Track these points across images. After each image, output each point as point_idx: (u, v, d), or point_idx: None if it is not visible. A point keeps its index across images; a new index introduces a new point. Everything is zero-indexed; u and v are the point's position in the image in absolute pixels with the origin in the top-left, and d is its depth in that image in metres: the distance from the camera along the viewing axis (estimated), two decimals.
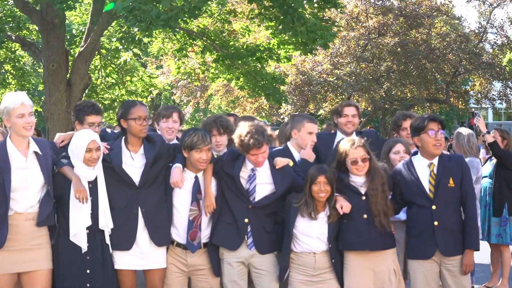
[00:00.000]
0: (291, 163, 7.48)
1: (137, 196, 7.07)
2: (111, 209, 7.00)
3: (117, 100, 23.47)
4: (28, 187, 6.66)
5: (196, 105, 36.09)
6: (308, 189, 7.04)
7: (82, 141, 6.88)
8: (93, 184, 6.98)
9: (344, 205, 6.99)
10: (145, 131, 7.16)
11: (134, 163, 7.12)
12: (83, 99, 17.96)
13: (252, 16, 16.88)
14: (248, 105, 35.33)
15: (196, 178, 7.18)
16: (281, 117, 32.32)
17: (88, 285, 6.92)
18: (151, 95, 25.27)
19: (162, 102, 44.71)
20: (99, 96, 22.75)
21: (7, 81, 22.19)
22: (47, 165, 6.81)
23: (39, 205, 6.72)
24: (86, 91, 18.58)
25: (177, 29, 16.40)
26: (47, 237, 6.90)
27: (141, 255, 7.11)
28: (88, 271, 6.92)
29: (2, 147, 6.67)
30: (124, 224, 7.04)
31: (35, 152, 6.75)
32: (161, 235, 7.16)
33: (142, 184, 7.08)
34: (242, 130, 7.12)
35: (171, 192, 7.18)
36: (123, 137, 7.25)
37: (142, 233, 7.09)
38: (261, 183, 7.22)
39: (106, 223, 6.95)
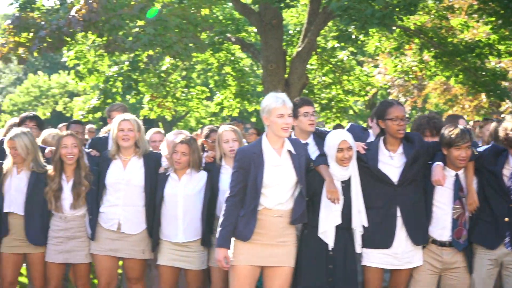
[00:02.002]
0: None
1: (395, 195, 7.06)
2: (368, 208, 7.07)
3: (334, 100, 23.63)
4: (279, 184, 6.80)
5: (414, 104, 35.62)
6: None
7: (334, 140, 7.00)
8: (346, 184, 7.06)
9: None
10: (402, 131, 7.12)
11: (393, 163, 7.12)
12: None
13: (470, 11, 16.50)
14: (467, 103, 34.52)
15: (457, 176, 7.04)
16: (501, 115, 31.36)
17: (330, 279, 7.00)
18: (368, 94, 25.21)
19: (378, 101, 44.55)
20: (316, 95, 22.97)
21: (227, 82, 22.86)
22: (300, 164, 6.91)
23: (293, 204, 6.86)
24: (303, 90, 18.85)
25: (393, 27, 16.30)
26: (295, 235, 7.02)
27: (395, 254, 7.09)
28: (330, 266, 7.00)
29: (257, 144, 6.90)
30: (382, 223, 7.06)
31: (289, 151, 6.91)
32: (419, 234, 7.12)
33: (400, 183, 7.06)
34: (508, 124, 6.92)
35: (431, 190, 7.10)
36: (382, 137, 7.26)
37: (399, 232, 7.08)
38: None
39: (359, 223, 7.03)
